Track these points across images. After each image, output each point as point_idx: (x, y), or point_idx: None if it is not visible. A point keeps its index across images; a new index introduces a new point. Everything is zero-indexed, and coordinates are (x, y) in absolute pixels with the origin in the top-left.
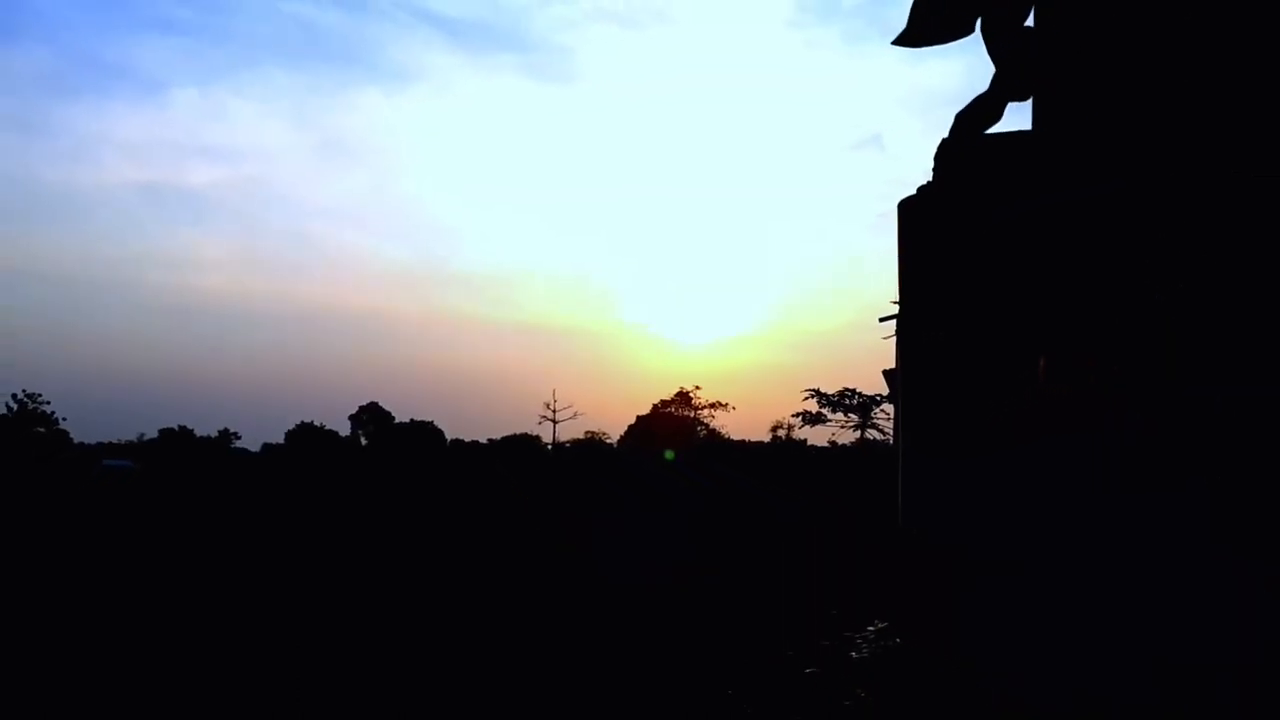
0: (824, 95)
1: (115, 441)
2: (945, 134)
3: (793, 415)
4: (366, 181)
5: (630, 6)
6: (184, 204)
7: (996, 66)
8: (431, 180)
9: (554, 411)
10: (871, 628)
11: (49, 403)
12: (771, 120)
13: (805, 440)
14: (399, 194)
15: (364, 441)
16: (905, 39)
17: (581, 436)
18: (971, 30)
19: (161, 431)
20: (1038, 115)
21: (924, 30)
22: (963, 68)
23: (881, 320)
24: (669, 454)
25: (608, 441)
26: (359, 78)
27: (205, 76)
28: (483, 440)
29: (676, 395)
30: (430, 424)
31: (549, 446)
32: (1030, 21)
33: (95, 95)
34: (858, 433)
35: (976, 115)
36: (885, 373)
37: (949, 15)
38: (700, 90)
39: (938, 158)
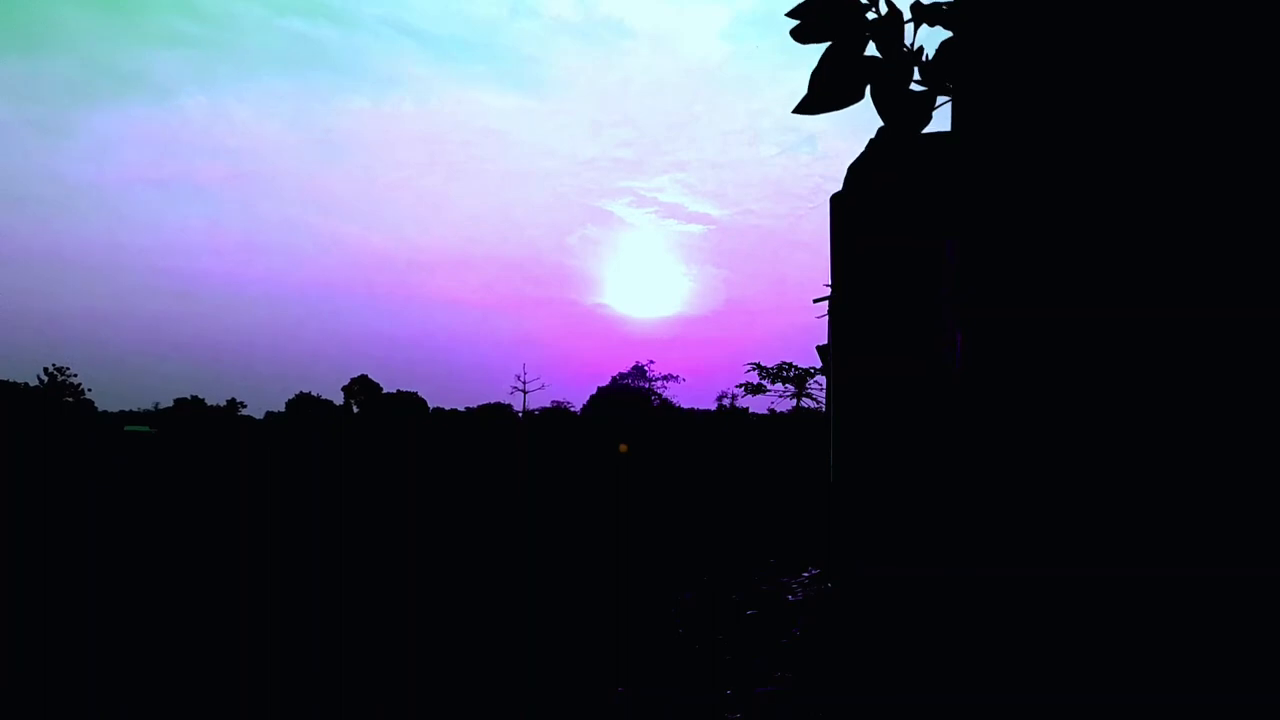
0: (763, 99)
1: (135, 410)
2: (871, 137)
3: (736, 385)
4: (354, 176)
5: (589, 20)
6: (193, 197)
7: (885, 121)
8: (411, 175)
9: (524, 383)
10: (806, 574)
11: (76, 375)
12: (715, 120)
13: (747, 409)
14: (383, 187)
15: (355, 410)
16: (803, 108)
17: (549, 405)
18: (862, 97)
19: (176, 400)
20: (956, 121)
21: (819, 101)
22: None
23: (815, 301)
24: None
25: (572, 410)
26: (348, 85)
27: (212, 84)
28: (461, 409)
29: (632, 368)
30: (414, 394)
31: (520, 414)
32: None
33: (114, 101)
34: (794, 401)
35: (871, 161)
36: (818, 348)
37: (838, 88)
38: (651, 92)
39: (848, 177)
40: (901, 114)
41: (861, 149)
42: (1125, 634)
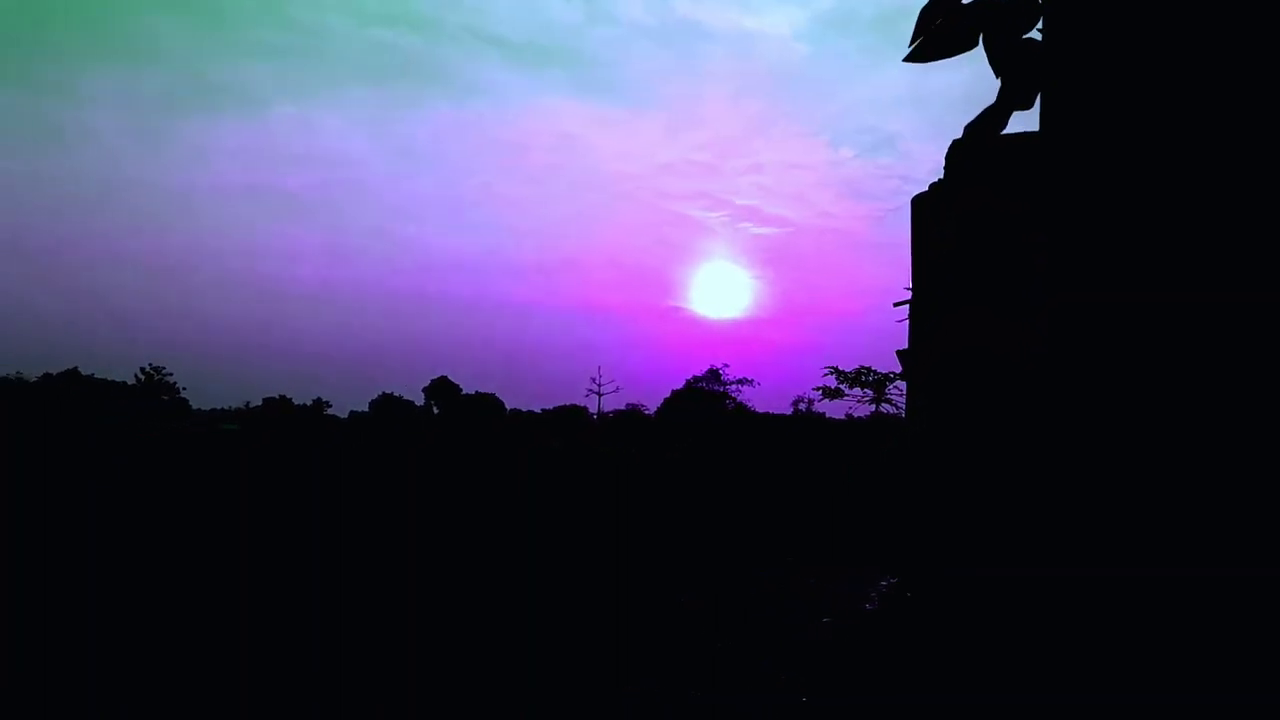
0: (842, 100)
1: (226, 408)
2: (954, 137)
3: (813, 389)
4: (436, 183)
5: (665, 24)
6: (282, 204)
7: (999, 79)
8: (491, 180)
9: (599, 385)
10: (884, 582)
11: (172, 374)
12: (793, 122)
13: (824, 414)
14: (463, 193)
15: (435, 410)
16: (914, 56)
17: (624, 408)
18: (974, 45)
19: (265, 399)
20: (1045, 119)
21: (929, 48)
22: (970, 74)
23: (896, 305)
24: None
25: (646, 413)
26: (430, 93)
27: (300, 93)
28: (537, 410)
29: (707, 372)
30: (492, 396)
31: (594, 416)
32: (1034, 34)
33: (207, 111)
34: (873, 407)
35: (983, 126)
36: (898, 352)
37: (951, 33)
38: (727, 95)
39: (948, 158)
40: (1017, 70)
41: (936, 150)
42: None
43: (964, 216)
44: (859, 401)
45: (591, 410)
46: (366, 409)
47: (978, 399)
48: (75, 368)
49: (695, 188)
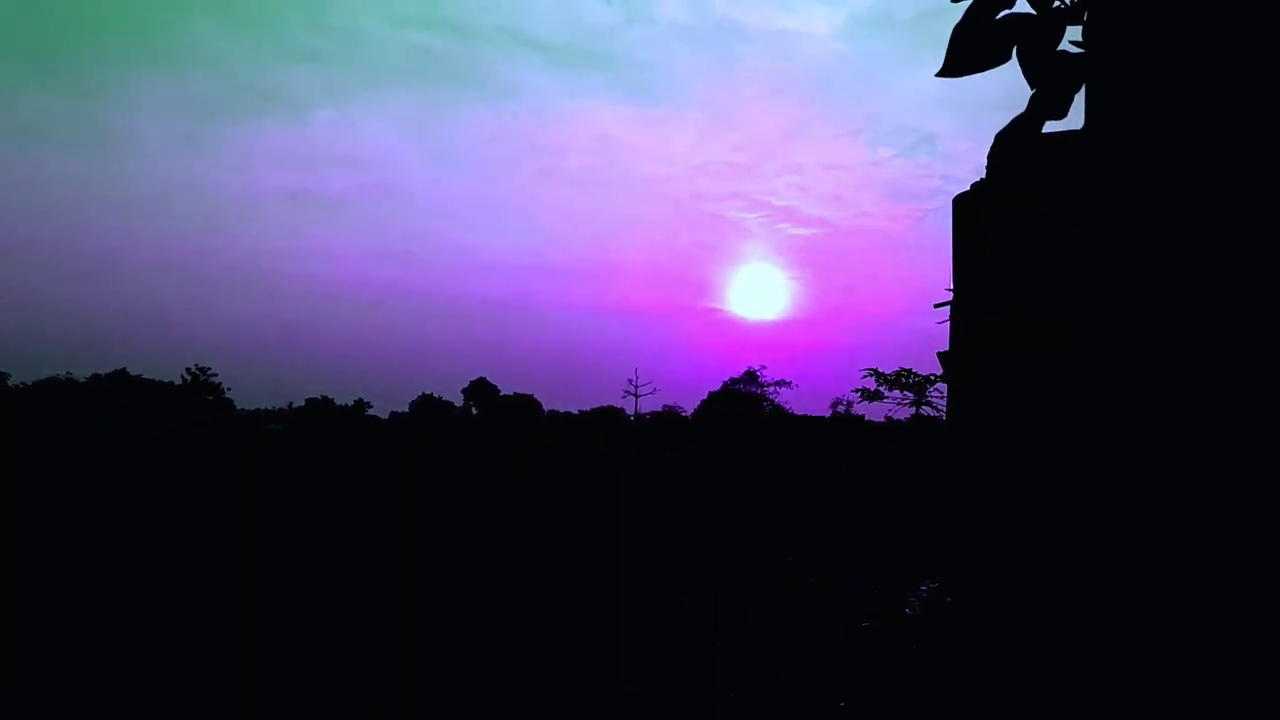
0: (880, 100)
1: (270, 408)
2: (996, 136)
3: (853, 390)
4: (475, 184)
5: (703, 25)
6: (324, 207)
7: (1033, 88)
8: (528, 183)
9: (636, 387)
10: (924, 587)
11: (217, 375)
12: (831, 122)
13: (863, 416)
14: (501, 195)
15: (474, 411)
16: (947, 70)
17: (660, 410)
18: (1009, 58)
19: (307, 400)
20: (1089, 118)
21: (963, 62)
22: (1009, 76)
23: (936, 306)
24: None
25: (683, 414)
26: (469, 96)
27: (340, 97)
28: (574, 411)
29: (744, 373)
30: (530, 397)
31: (631, 418)
32: (1067, 45)
33: (250, 116)
34: (913, 409)
35: (1015, 135)
36: (939, 354)
37: (985, 47)
38: (765, 95)
39: (991, 157)
40: (1051, 80)
41: (977, 150)
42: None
43: (1006, 216)
44: (899, 404)
45: (629, 412)
46: (406, 409)
47: (1020, 400)
48: (124, 368)
49: (732, 189)
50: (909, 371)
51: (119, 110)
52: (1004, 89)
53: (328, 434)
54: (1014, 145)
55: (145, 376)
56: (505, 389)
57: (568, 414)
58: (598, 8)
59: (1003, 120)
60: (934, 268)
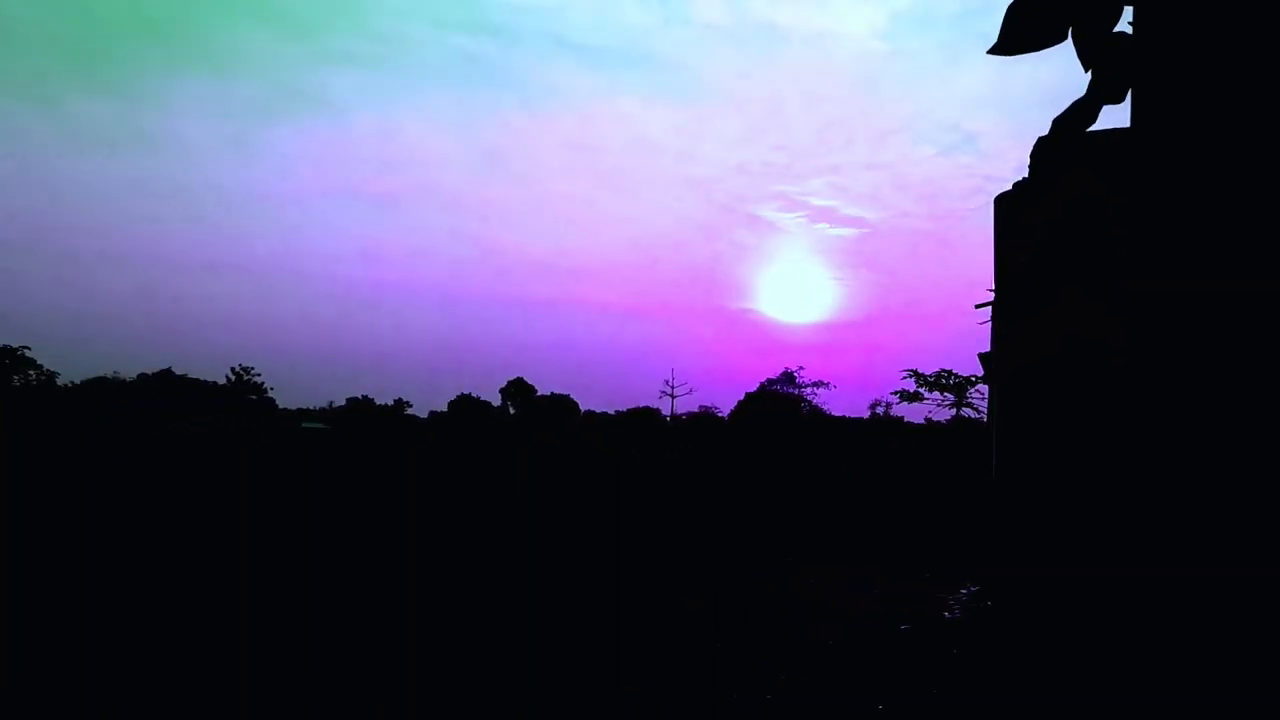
0: (920, 99)
1: (311, 408)
2: (1039, 135)
3: (891, 393)
4: (513, 186)
5: (741, 25)
6: (366, 209)
7: (1089, 72)
8: (567, 184)
9: (673, 388)
10: (964, 590)
11: (260, 375)
12: (870, 121)
13: (902, 418)
14: (540, 197)
15: (512, 411)
16: (1000, 48)
17: (696, 410)
18: (1064, 38)
19: (348, 399)
20: (1136, 113)
21: (1017, 40)
22: (1050, 74)
23: (977, 307)
24: None
25: (720, 415)
26: (508, 98)
27: (383, 101)
28: (610, 412)
29: (782, 374)
30: (567, 397)
31: (667, 419)
32: (1123, 25)
33: (294, 118)
34: (953, 411)
35: (1072, 120)
36: (980, 355)
37: (1041, 25)
38: (803, 95)
39: (1034, 156)
40: (1106, 62)
41: (1018, 149)
42: None
43: (1057, 207)
44: (938, 405)
45: (664, 412)
46: (445, 409)
47: (1064, 398)
48: (169, 368)
49: (771, 189)
50: (949, 373)
51: (164, 115)
52: (1047, 88)
53: (370, 433)
54: (1064, 137)
55: (190, 376)
56: (543, 389)
57: (604, 414)
58: (635, 9)
59: (1044, 119)
60: (975, 267)
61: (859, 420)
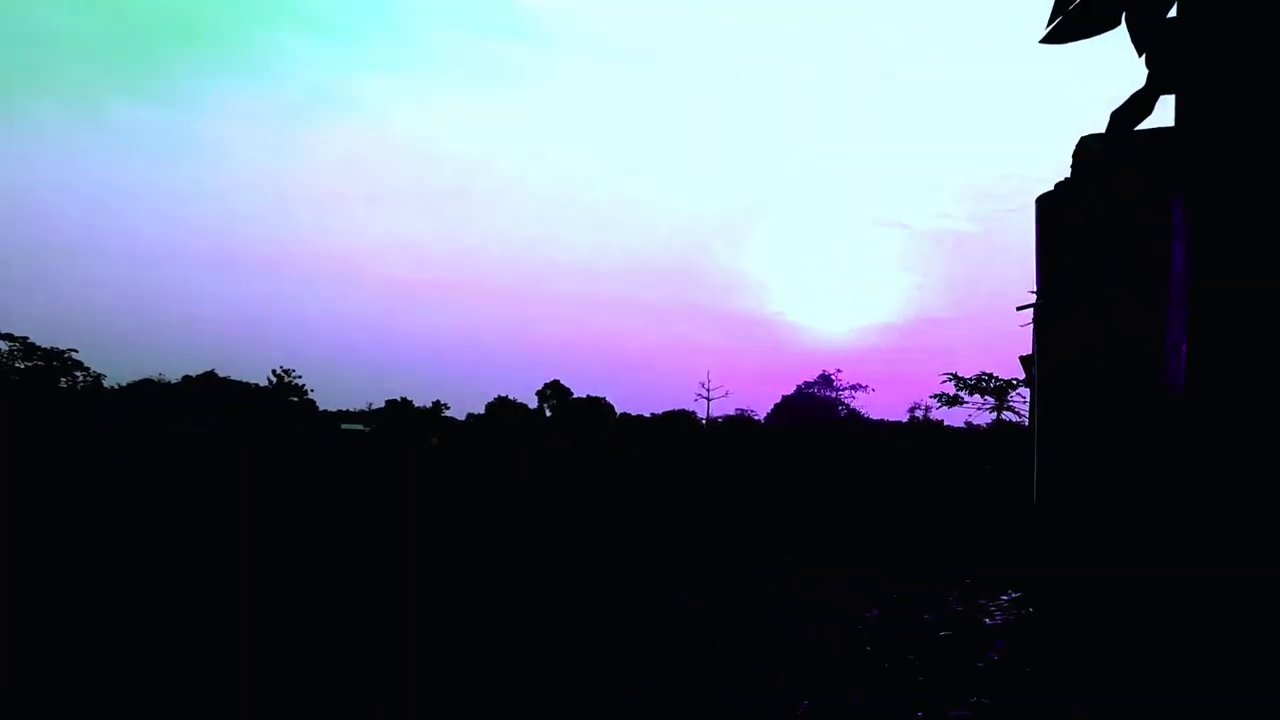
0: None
1: (351, 409)
2: (1081, 135)
3: (931, 396)
4: (547, 187)
5: (772, 24)
6: (403, 212)
7: (1140, 55)
8: (604, 186)
9: (708, 390)
10: (1006, 596)
11: (300, 376)
12: (902, 123)
13: (941, 421)
14: (576, 199)
15: (548, 413)
16: (1053, 37)
17: (732, 413)
18: (1116, 24)
19: (387, 401)
20: (1180, 111)
21: (1071, 28)
22: (1093, 74)
23: (1019, 309)
24: None
25: (755, 418)
26: (546, 98)
27: (419, 103)
28: (646, 414)
29: (819, 377)
30: (603, 399)
31: (703, 421)
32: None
33: (333, 123)
34: (994, 414)
35: (1131, 112)
36: (1022, 358)
37: (1094, 12)
38: (838, 94)
39: (1076, 155)
40: (1160, 49)
41: (1063, 151)
42: None
43: (1100, 207)
44: (979, 409)
45: (700, 415)
46: (482, 410)
47: (1106, 400)
48: (212, 370)
49: (811, 191)
50: (989, 375)
51: (206, 119)
52: (1087, 89)
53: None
54: (1115, 133)
55: (233, 379)
56: (579, 391)
57: (640, 417)
58: (671, 13)
59: (1086, 121)
60: (1016, 269)
61: (896, 424)
